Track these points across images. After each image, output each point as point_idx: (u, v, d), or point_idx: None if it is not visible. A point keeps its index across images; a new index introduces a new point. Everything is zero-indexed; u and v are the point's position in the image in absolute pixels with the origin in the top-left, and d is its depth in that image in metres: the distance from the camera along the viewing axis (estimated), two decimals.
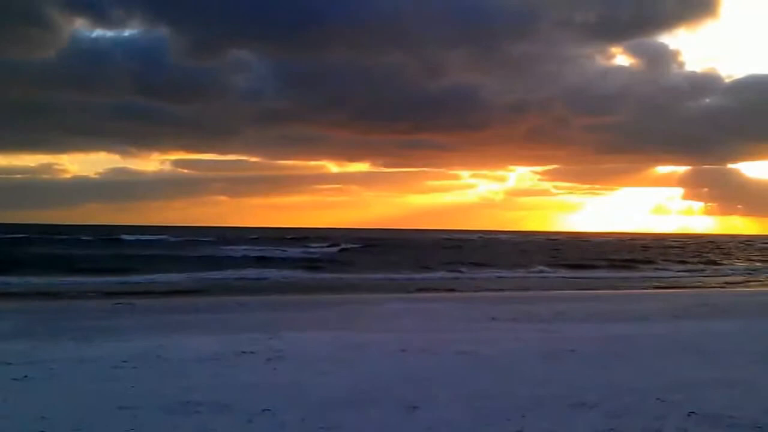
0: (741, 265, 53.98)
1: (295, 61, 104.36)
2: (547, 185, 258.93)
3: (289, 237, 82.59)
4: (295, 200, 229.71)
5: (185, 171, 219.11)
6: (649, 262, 52.96)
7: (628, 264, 50.30)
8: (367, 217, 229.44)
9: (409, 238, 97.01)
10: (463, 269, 41.07)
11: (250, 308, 18.82)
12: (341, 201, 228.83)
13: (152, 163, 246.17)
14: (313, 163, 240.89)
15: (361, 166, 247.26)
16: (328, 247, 63.56)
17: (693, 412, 7.19)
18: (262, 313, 17.61)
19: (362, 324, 14.99)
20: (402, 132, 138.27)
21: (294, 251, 55.65)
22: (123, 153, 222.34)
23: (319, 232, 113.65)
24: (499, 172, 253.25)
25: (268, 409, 7.25)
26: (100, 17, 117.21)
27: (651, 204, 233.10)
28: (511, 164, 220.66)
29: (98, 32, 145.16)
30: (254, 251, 52.26)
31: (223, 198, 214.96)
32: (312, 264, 42.13)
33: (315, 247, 62.83)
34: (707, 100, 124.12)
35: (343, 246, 64.84)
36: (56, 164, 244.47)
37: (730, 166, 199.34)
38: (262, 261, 43.02)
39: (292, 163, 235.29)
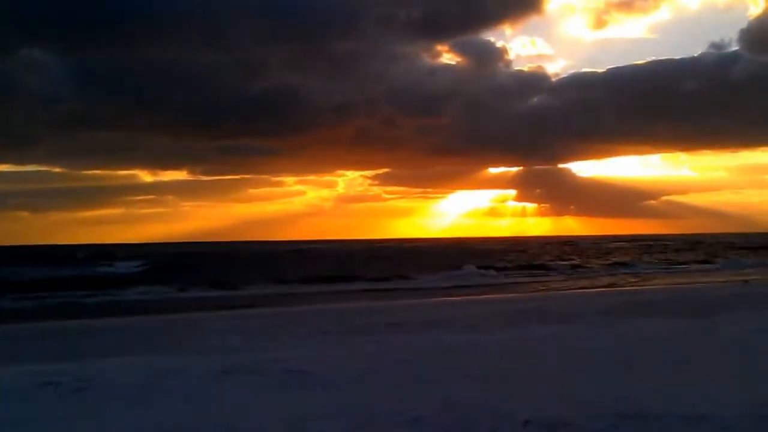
0: (575, 265, 57.27)
1: (99, 61, 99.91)
2: (378, 190, 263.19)
3: (95, 254, 79.68)
4: (104, 213, 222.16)
5: None
6: (486, 267, 54.79)
7: (464, 267, 52.08)
8: (185, 230, 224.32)
9: (231, 251, 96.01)
10: (289, 282, 41.24)
11: (54, 334, 18.09)
12: (156, 213, 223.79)
13: None
14: (123, 172, 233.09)
15: (177, 174, 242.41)
16: (140, 264, 61.90)
17: (529, 421, 7.49)
18: (67, 339, 16.95)
19: (181, 346, 14.75)
20: (221, 136, 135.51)
21: (101, 270, 54.01)
22: None
23: (130, 249, 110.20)
24: (327, 178, 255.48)
25: None
26: None
27: (485, 206, 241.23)
28: (340, 169, 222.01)
29: None
30: (56, 271, 50.24)
31: (23, 213, 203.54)
32: (120, 283, 41.02)
33: (123, 265, 61.10)
34: (535, 99, 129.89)
35: (157, 262, 63.37)
36: None
37: (560, 165, 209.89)
38: (65, 282, 41.40)
39: (100, 173, 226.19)
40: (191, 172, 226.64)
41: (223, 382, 10.32)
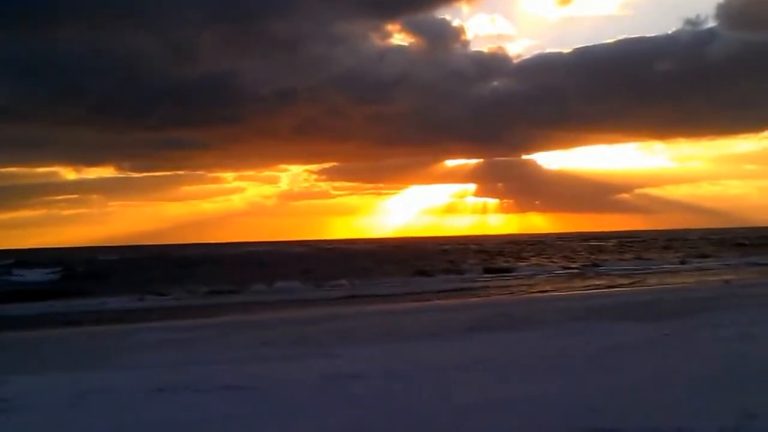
0: (542, 266, 57.95)
1: (11, 45, 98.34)
2: (325, 186, 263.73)
3: (7, 261, 78.60)
4: (21, 215, 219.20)
5: None
6: (448, 271, 54.89)
7: (422, 271, 52.46)
8: (112, 232, 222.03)
9: (163, 255, 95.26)
10: (227, 289, 41.13)
11: None
12: (79, 214, 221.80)
13: None
14: (42, 169, 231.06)
15: (103, 171, 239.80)
16: (55, 271, 61.23)
17: None
18: None
19: (108, 361, 14.66)
20: (152, 128, 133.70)
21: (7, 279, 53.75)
22: None
23: (50, 254, 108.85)
24: (269, 173, 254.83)
25: None
26: None
27: (443, 203, 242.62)
28: (283, 163, 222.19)
29: None
30: None
31: None
32: (32, 293, 40.54)
33: (35, 272, 60.46)
34: (495, 84, 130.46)
35: (76, 268, 62.91)
36: None
37: (524, 157, 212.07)
38: None
39: (16, 170, 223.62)
40: (119, 167, 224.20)
41: (155, 401, 10.31)
